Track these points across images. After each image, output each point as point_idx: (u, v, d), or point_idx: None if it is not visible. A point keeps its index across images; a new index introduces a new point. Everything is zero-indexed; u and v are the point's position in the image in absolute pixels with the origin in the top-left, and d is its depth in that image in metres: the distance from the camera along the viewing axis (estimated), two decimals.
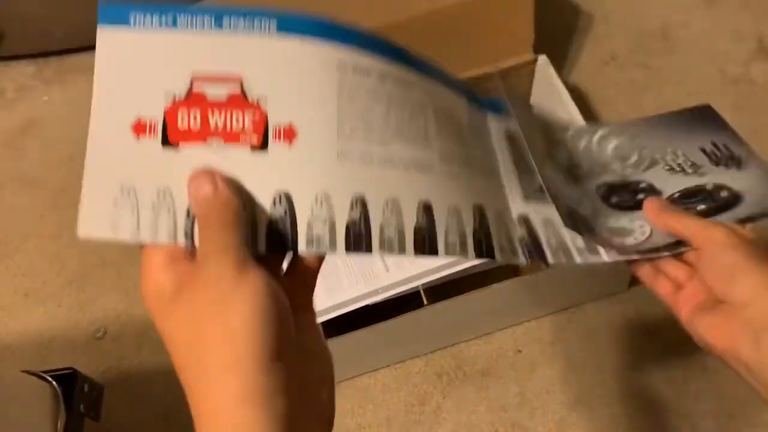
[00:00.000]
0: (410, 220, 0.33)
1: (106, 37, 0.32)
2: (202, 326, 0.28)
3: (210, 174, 0.29)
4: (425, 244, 0.33)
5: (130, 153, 0.30)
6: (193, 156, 0.30)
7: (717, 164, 0.44)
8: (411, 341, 0.76)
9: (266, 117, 0.30)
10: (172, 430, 0.76)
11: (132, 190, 0.30)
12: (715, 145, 0.46)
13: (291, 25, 0.31)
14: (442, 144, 0.36)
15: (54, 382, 0.67)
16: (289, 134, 0.30)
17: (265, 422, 0.27)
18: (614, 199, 0.44)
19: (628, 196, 0.44)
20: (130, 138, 0.30)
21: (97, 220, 0.30)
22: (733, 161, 0.44)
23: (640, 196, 0.44)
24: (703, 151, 0.46)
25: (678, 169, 0.45)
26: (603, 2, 1.10)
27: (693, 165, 0.45)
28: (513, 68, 0.86)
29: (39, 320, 0.89)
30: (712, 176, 0.44)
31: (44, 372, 0.68)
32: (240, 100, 0.30)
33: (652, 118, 0.49)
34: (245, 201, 0.30)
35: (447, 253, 0.33)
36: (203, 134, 0.30)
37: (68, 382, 0.68)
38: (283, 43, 0.31)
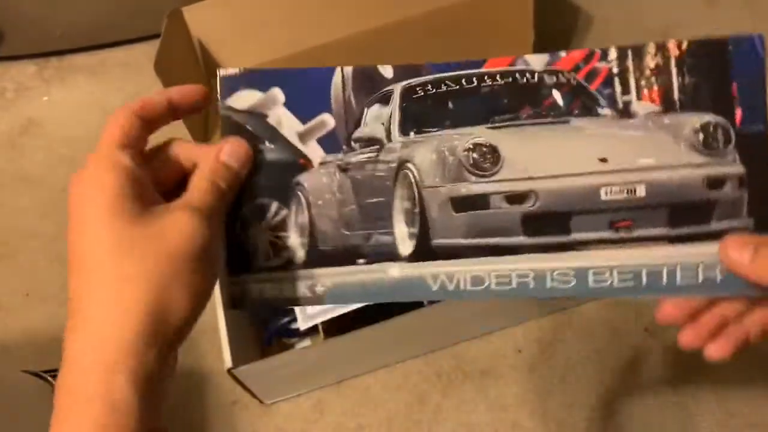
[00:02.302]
0: None
1: None
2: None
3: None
4: None
5: None
6: None
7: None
8: (411, 341, 0.76)
9: None
10: (171, 429, 0.76)
11: None
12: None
13: None
14: None
15: (54, 382, 0.67)
16: None
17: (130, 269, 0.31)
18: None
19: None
20: None
21: None
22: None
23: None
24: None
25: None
26: (603, 3, 1.10)
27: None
28: None
29: (39, 320, 0.89)
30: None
31: (44, 372, 0.68)
32: None
33: None
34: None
35: None
36: None
37: None
38: None
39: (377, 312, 0.68)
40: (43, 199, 1.03)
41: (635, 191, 0.36)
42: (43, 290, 0.92)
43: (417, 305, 0.68)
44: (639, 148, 0.36)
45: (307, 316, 0.68)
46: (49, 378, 0.67)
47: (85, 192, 0.33)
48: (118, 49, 1.20)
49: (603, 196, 0.36)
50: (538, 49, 0.85)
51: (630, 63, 0.37)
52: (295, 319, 0.69)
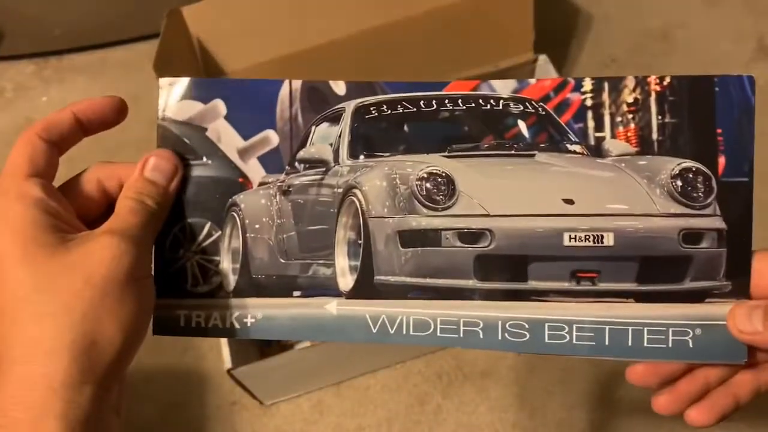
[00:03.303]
0: None
1: None
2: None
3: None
4: None
5: None
6: None
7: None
8: None
9: None
10: (171, 430, 0.76)
11: None
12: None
13: None
14: None
15: None
16: None
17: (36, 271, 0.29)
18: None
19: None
20: None
21: None
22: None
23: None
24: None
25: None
26: (603, 3, 1.10)
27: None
28: (513, 68, 0.86)
29: None
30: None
31: None
32: None
33: None
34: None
35: None
36: None
37: None
38: None
39: None
40: None
41: (602, 239, 0.32)
42: None
43: None
44: (610, 191, 0.33)
45: None
46: None
47: None
48: (117, 49, 1.19)
49: (566, 242, 0.33)
50: (538, 49, 0.85)
51: (606, 96, 0.33)
52: None
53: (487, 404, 0.74)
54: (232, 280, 0.36)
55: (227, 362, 0.66)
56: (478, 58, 0.86)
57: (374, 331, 0.33)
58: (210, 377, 0.80)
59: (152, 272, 0.34)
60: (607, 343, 0.32)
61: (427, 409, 0.75)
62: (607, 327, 0.32)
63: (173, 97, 0.36)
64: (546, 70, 0.86)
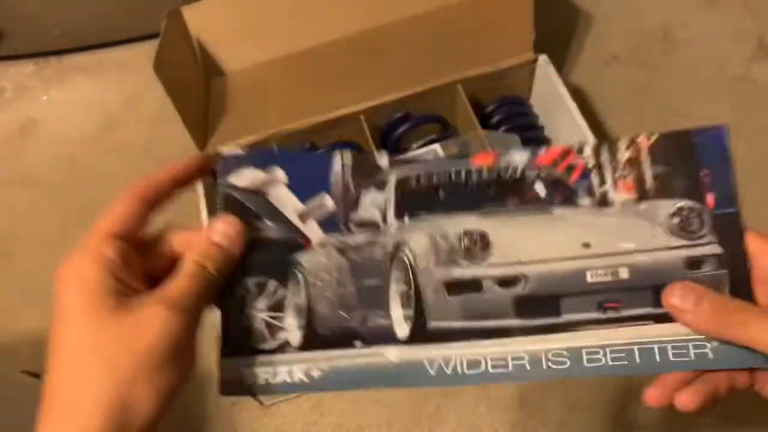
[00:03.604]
0: None
1: None
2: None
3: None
4: None
5: None
6: None
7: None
8: None
9: None
10: (171, 429, 0.76)
11: None
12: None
13: None
14: None
15: None
16: None
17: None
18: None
19: None
20: None
21: None
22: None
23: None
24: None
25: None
26: (603, 2, 1.10)
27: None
28: (513, 68, 0.86)
29: (39, 321, 0.88)
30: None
31: (44, 372, 0.68)
32: None
33: None
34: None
35: None
36: None
37: None
38: None
39: None
40: (43, 199, 1.03)
41: (618, 274, 0.37)
42: (42, 290, 0.92)
43: None
44: (619, 233, 0.38)
45: None
46: None
47: (67, 284, 0.34)
48: (117, 49, 1.20)
49: (589, 279, 0.38)
50: (538, 49, 0.85)
51: (604, 157, 0.39)
52: None
53: (486, 404, 0.74)
54: (298, 335, 0.39)
55: None
56: (478, 58, 0.86)
57: (433, 374, 0.37)
58: (210, 377, 0.80)
59: (197, 340, 0.37)
60: (638, 361, 0.37)
61: (427, 409, 0.75)
62: (636, 347, 0.37)
63: (234, 164, 0.40)
64: (546, 70, 0.86)
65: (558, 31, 1.06)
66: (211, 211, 0.80)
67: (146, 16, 1.03)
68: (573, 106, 0.80)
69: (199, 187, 0.81)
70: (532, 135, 0.88)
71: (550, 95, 0.86)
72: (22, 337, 0.87)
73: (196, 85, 0.90)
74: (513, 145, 0.83)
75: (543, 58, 0.86)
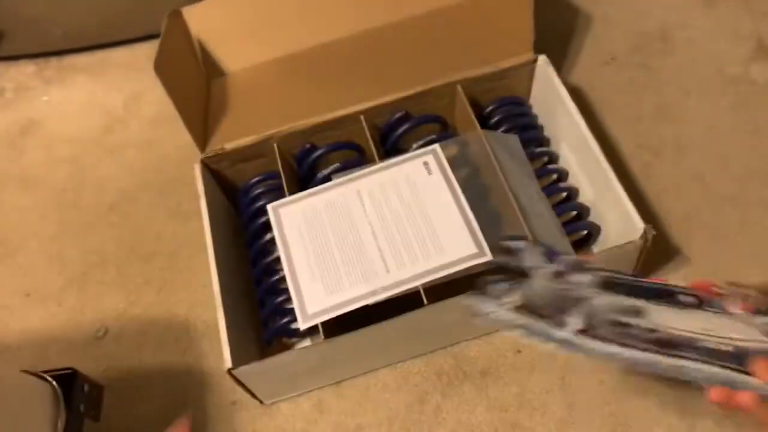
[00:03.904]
0: None
1: None
2: None
3: None
4: None
5: None
6: None
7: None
8: (411, 341, 0.76)
9: None
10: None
11: None
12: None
13: None
14: None
15: (54, 382, 0.67)
16: None
17: None
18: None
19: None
20: None
21: None
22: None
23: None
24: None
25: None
26: (602, 2, 1.10)
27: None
28: (513, 68, 0.87)
29: (39, 320, 0.89)
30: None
31: (44, 372, 0.68)
32: None
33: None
34: None
35: None
36: None
37: (68, 382, 0.68)
38: None
39: (377, 312, 0.68)
40: (43, 199, 1.03)
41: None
42: (43, 290, 0.92)
43: (415, 305, 0.68)
44: (732, 329, 0.52)
45: (307, 316, 0.68)
46: (49, 378, 0.67)
47: None
48: (118, 49, 1.20)
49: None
50: (538, 49, 0.85)
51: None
52: (295, 319, 0.68)
53: (486, 403, 0.74)
54: None
55: (227, 362, 0.67)
56: (477, 58, 0.86)
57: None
58: (210, 377, 0.80)
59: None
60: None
61: (427, 408, 0.75)
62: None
63: None
64: (545, 71, 0.86)
65: (557, 32, 1.07)
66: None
67: (147, 17, 1.03)
68: (572, 107, 0.80)
69: (200, 187, 0.81)
70: (532, 135, 0.88)
71: (549, 95, 0.86)
72: (22, 336, 0.87)
73: (196, 86, 0.90)
74: (513, 146, 0.83)
75: (542, 59, 0.86)
